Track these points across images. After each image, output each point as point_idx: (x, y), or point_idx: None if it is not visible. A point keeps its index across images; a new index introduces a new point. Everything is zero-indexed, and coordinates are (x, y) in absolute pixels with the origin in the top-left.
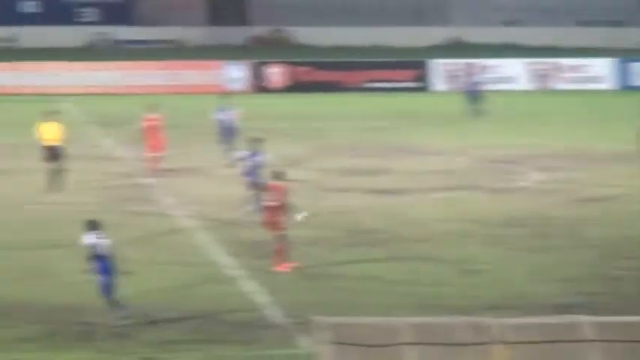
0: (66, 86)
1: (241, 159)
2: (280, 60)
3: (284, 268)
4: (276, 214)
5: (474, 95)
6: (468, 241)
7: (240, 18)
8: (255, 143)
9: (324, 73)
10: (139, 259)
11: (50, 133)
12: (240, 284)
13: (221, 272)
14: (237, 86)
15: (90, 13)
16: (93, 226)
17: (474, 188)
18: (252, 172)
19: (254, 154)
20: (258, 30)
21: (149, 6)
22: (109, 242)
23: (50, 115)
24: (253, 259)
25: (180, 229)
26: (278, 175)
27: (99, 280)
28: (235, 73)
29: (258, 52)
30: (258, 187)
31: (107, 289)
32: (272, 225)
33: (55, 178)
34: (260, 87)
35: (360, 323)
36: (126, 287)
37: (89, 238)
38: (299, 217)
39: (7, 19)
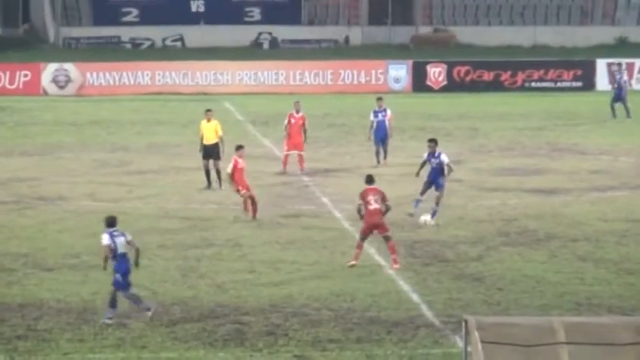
0: (229, 85)
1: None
2: (441, 60)
3: (396, 266)
4: (378, 216)
5: (620, 94)
6: (628, 240)
7: (402, 18)
8: (432, 144)
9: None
10: (294, 259)
11: (210, 131)
12: (395, 283)
13: (375, 272)
14: (399, 86)
15: (255, 13)
16: (110, 222)
17: (636, 188)
18: (434, 173)
19: (433, 155)
20: (420, 30)
21: (313, 5)
22: (124, 240)
23: (209, 114)
24: (408, 258)
25: (335, 228)
26: (370, 179)
27: (114, 277)
28: (397, 72)
29: (419, 51)
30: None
31: (120, 286)
32: (376, 227)
33: (215, 176)
34: (421, 86)
35: (513, 322)
36: (282, 288)
37: (105, 239)
38: (423, 219)
39: (177, 18)
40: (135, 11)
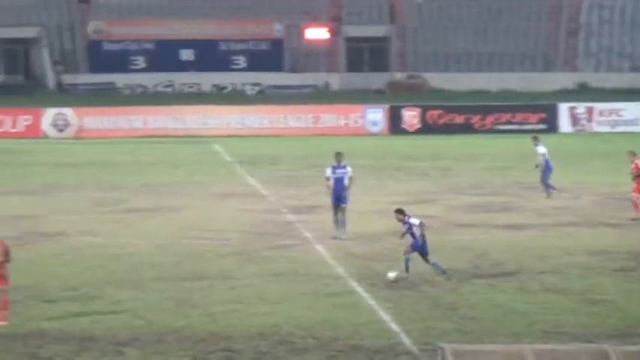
0: (217, 128)
1: None
2: (415, 104)
3: None
4: None
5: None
6: (591, 272)
7: (378, 65)
8: (399, 215)
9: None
10: (281, 290)
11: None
12: (376, 313)
13: (357, 302)
14: (376, 128)
15: (241, 61)
16: None
17: (598, 224)
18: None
19: (404, 222)
20: (395, 76)
21: (294, 54)
22: None
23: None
24: (387, 290)
25: (318, 262)
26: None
27: None
28: (374, 116)
29: (394, 96)
30: None
31: None
32: None
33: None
34: (397, 128)
35: (486, 350)
36: (270, 317)
37: None
38: (392, 275)
39: (167, 66)
40: (129, 60)
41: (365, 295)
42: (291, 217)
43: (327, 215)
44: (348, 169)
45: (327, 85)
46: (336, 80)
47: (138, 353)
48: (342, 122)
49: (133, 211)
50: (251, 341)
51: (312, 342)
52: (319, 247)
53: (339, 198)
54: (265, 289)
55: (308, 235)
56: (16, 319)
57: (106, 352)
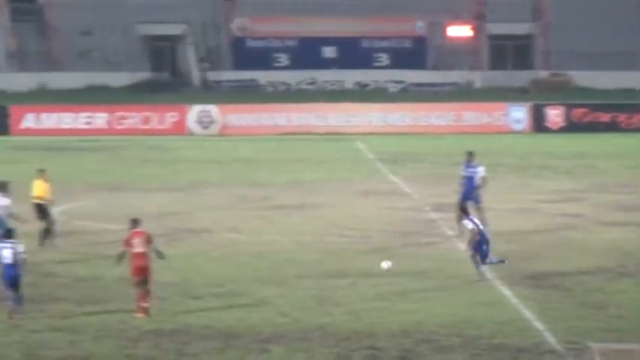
0: (359, 126)
1: None
2: (559, 102)
3: None
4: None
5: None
6: None
7: (521, 63)
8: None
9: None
10: (423, 288)
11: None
12: (519, 312)
13: (500, 300)
14: (519, 126)
15: (383, 58)
16: (6, 234)
17: None
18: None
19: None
20: (539, 74)
21: (437, 52)
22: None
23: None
24: (531, 288)
25: (463, 260)
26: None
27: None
28: (517, 114)
29: (538, 94)
30: None
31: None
32: None
33: None
34: (540, 127)
35: (636, 350)
36: (412, 315)
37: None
38: (385, 265)
39: (309, 63)
40: (272, 57)
41: (507, 293)
42: (433, 215)
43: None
44: (481, 168)
45: (469, 83)
46: (478, 78)
47: (282, 350)
48: (484, 120)
49: (276, 208)
50: (395, 339)
51: (455, 340)
52: (462, 245)
53: (468, 197)
54: (408, 286)
55: (451, 233)
56: (162, 316)
57: (251, 349)
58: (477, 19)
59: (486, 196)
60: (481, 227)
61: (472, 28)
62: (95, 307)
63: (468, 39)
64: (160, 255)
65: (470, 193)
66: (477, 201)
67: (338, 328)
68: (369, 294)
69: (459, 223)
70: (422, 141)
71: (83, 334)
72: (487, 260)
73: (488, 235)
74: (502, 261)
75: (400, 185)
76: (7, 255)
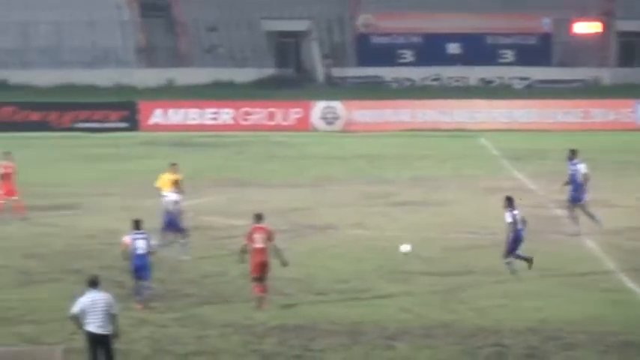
0: (484, 122)
1: None
2: None
3: None
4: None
5: None
6: None
7: None
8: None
9: None
10: (549, 285)
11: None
12: None
13: (627, 297)
14: None
15: (508, 55)
16: (136, 225)
17: None
18: None
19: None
20: None
21: (563, 48)
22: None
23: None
24: None
25: (589, 256)
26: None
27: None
28: None
29: None
30: None
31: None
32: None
33: None
34: None
35: None
36: (538, 312)
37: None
38: (404, 249)
39: (434, 60)
40: (396, 53)
41: (637, 290)
42: (559, 212)
43: (594, 210)
44: (582, 165)
45: (596, 80)
46: (606, 75)
47: (407, 347)
48: (612, 117)
49: (400, 204)
50: (520, 336)
51: (582, 337)
52: (588, 242)
53: (576, 194)
54: (533, 283)
55: (575, 228)
56: (288, 312)
57: (376, 346)
58: (606, 16)
59: (615, 194)
60: (519, 226)
61: (601, 25)
62: (221, 302)
63: (595, 35)
64: (279, 255)
65: (574, 190)
66: (580, 199)
67: (463, 325)
68: (493, 291)
69: (572, 220)
70: (547, 138)
71: (210, 329)
72: (511, 257)
73: (524, 233)
74: (528, 259)
75: (525, 182)
76: (142, 245)
